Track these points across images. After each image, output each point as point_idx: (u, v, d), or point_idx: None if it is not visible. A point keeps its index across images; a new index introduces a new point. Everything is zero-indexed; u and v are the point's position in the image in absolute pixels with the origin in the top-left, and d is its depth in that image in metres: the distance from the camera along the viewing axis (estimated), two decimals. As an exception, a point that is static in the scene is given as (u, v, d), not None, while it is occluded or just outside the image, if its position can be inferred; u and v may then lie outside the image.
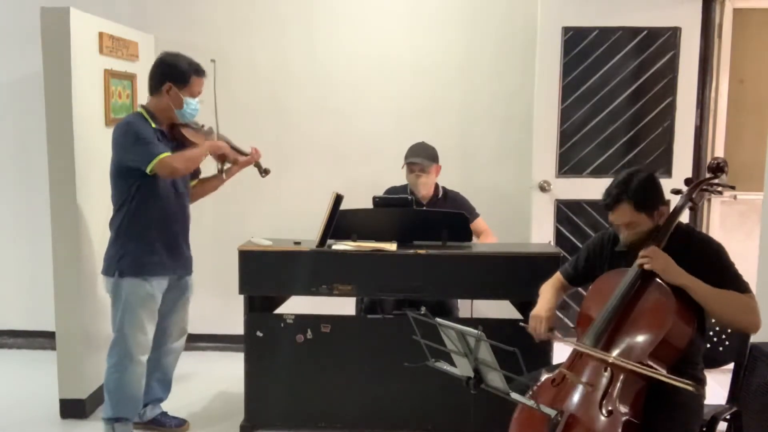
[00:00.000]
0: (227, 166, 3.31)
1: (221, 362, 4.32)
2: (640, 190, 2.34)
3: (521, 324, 2.56)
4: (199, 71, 3.11)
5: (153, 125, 3.06)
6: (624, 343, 2.28)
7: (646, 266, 2.32)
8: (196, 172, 3.31)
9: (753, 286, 2.37)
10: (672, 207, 2.46)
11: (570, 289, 2.73)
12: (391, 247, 3.17)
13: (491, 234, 3.77)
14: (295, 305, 3.44)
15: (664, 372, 2.21)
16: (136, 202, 3.05)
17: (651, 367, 2.20)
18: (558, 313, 3.96)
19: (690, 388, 2.06)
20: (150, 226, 3.07)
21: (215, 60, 3.21)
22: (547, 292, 2.65)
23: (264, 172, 3.38)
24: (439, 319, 2.12)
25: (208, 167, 3.36)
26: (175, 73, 3.06)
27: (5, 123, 4.50)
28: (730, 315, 2.31)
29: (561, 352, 2.59)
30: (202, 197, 3.40)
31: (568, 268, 2.70)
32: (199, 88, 3.12)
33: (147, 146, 2.96)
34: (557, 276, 2.73)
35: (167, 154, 2.97)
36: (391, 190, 3.80)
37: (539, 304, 2.59)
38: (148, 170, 2.94)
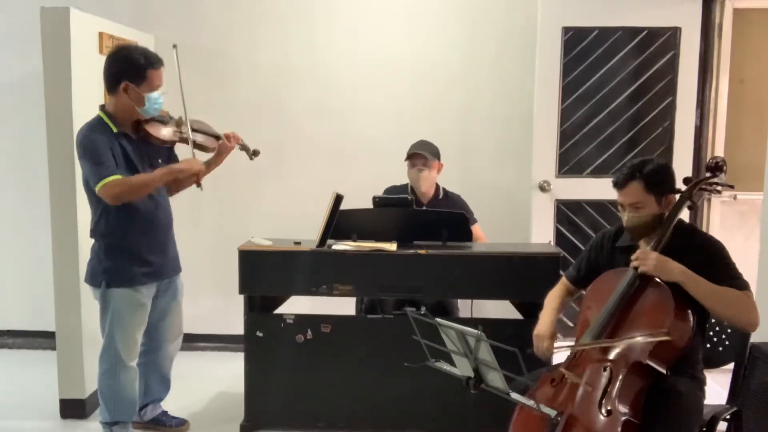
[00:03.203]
0: (207, 156, 3.18)
1: (221, 362, 4.32)
2: (653, 172, 2.40)
3: (530, 351, 2.49)
4: (155, 63, 2.91)
5: (114, 129, 2.90)
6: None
7: (639, 269, 2.33)
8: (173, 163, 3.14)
9: (753, 286, 2.37)
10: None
11: (577, 292, 2.71)
12: (391, 247, 3.17)
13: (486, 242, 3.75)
14: (295, 305, 3.44)
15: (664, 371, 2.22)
16: (113, 210, 2.91)
17: (651, 366, 2.21)
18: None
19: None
20: (132, 232, 2.96)
21: (176, 45, 2.99)
22: (548, 307, 2.62)
23: (253, 153, 3.29)
24: (439, 319, 2.12)
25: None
26: (130, 70, 2.86)
27: (5, 123, 4.50)
28: (727, 312, 2.31)
29: (561, 351, 2.58)
30: (182, 190, 3.26)
31: (572, 271, 2.71)
32: (158, 81, 2.92)
33: (97, 167, 2.80)
34: (562, 281, 2.73)
35: (115, 177, 2.80)
36: (391, 190, 3.79)
37: (540, 322, 2.56)
38: (96, 192, 2.81)
